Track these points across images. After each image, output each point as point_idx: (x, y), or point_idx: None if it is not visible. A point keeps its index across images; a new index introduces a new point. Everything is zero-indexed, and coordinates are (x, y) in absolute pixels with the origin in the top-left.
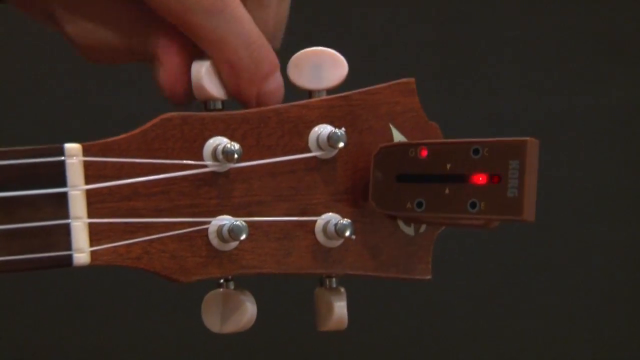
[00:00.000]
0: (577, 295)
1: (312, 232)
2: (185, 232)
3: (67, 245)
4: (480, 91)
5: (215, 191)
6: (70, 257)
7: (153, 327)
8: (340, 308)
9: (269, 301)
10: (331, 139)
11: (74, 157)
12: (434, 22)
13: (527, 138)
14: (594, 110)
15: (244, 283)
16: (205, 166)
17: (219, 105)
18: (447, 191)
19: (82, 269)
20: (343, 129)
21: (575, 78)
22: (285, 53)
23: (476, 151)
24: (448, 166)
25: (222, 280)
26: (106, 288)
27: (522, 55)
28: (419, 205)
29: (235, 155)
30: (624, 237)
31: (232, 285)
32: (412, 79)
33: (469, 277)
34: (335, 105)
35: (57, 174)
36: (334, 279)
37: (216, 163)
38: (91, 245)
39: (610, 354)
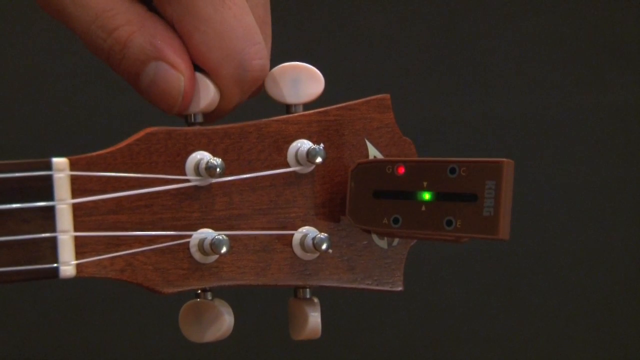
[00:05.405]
0: (576, 296)
1: (290, 245)
2: (167, 245)
3: (54, 258)
4: (479, 91)
5: (197, 205)
6: (56, 269)
7: (136, 331)
8: (314, 318)
9: (245, 309)
10: (310, 155)
11: (62, 172)
12: (433, 22)
13: (504, 159)
14: (594, 110)
15: (221, 291)
16: (188, 180)
17: (200, 119)
18: (423, 208)
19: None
20: (322, 144)
21: (575, 78)
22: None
23: (453, 170)
24: (425, 184)
25: (199, 290)
26: (95, 291)
27: (521, 55)
28: (395, 221)
29: (218, 170)
30: (624, 237)
31: (209, 296)
32: (388, 95)
33: (466, 279)
34: (313, 120)
35: (45, 188)
36: (307, 290)
37: (199, 178)
38: (76, 258)
39: (610, 354)
